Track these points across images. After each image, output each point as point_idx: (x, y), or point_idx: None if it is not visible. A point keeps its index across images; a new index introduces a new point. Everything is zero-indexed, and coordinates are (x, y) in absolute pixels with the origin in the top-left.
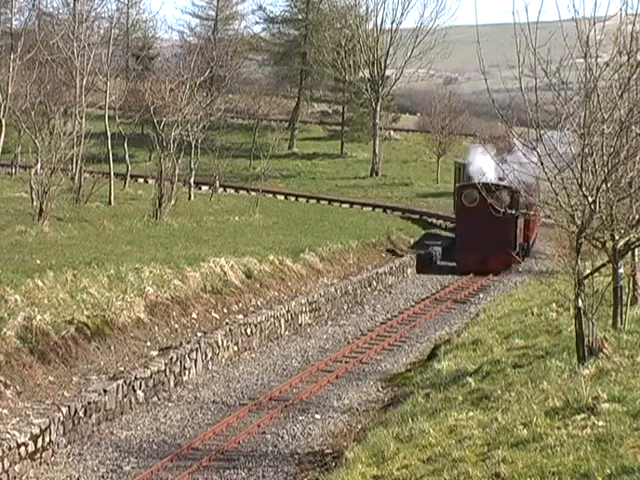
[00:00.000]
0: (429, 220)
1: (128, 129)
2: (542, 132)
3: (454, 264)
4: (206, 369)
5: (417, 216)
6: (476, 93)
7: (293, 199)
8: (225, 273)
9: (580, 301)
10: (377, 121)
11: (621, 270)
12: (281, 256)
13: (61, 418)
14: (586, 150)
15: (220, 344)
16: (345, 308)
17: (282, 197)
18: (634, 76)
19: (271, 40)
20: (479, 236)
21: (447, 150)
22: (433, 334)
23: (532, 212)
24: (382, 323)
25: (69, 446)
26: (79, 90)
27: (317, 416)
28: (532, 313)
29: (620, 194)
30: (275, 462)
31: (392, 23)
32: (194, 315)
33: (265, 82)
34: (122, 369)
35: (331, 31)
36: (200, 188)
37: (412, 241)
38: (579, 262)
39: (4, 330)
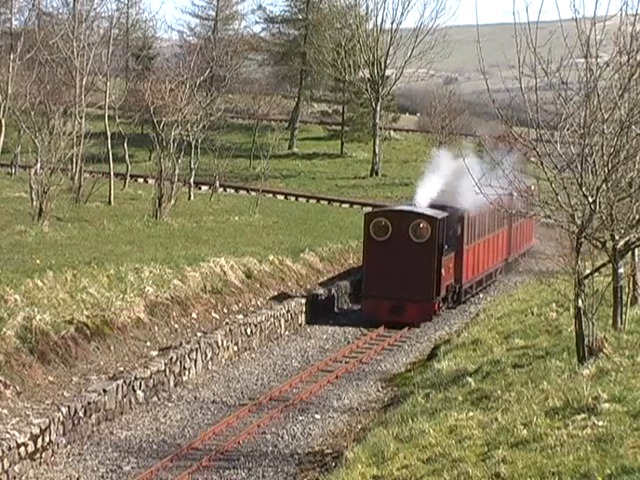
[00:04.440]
0: None
1: (128, 129)
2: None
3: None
4: (206, 369)
5: None
6: (476, 93)
7: (293, 199)
8: (225, 273)
9: (580, 301)
10: (377, 121)
11: (621, 270)
12: (281, 256)
13: (61, 418)
14: (586, 150)
15: (220, 344)
16: (345, 308)
17: (282, 197)
18: (634, 76)
19: (271, 40)
20: (391, 278)
21: (447, 150)
22: (433, 334)
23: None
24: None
25: (69, 446)
26: (79, 90)
27: (317, 416)
28: (532, 313)
29: (620, 194)
30: (275, 462)
31: (392, 23)
32: (194, 315)
33: (265, 82)
34: (122, 369)
35: (331, 31)
36: (200, 188)
37: None
38: (579, 262)
39: (4, 330)
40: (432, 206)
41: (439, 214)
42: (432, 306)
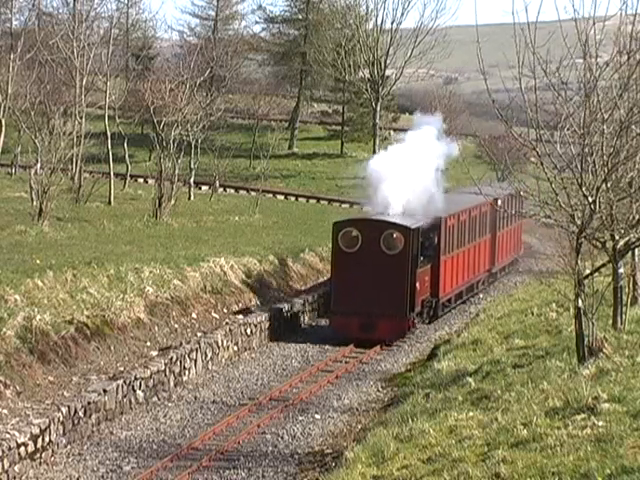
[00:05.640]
0: None
1: (128, 129)
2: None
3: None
4: (206, 369)
5: None
6: (476, 93)
7: (293, 199)
8: (225, 273)
9: (580, 301)
10: (377, 121)
11: (621, 270)
12: (281, 256)
13: (61, 418)
14: (586, 150)
15: (220, 344)
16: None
17: (282, 197)
18: (634, 76)
19: (271, 40)
20: (361, 292)
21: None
22: (433, 334)
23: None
24: None
25: (69, 446)
26: (79, 90)
27: (317, 416)
28: (532, 313)
29: (620, 194)
30: (275, 462)
31: (392, 23)
32: (194, 315)
33: (265, 82)
34: (122, 369)
35: (331, 31)
36: (200, 188)
37: None
38: (579, 262)
39: (4, 330)
40: (407, 214)
41: (413, 223)
42: (406, 322)
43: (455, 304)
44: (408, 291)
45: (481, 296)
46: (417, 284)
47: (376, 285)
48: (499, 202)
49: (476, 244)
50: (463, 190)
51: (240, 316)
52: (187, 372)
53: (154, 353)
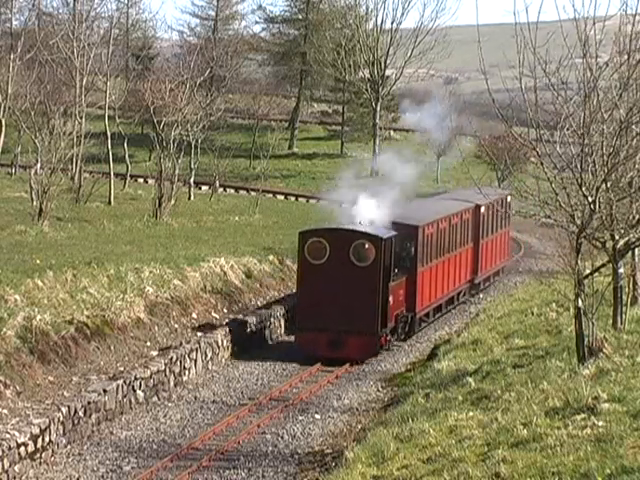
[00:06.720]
0: None
1: (128, 129)
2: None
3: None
4: (206, 369)
5: None
6: (476, 93)
7: (293, 199)
8: (225, 273)
9: (580, 301)
10: (377, 121)
11: (621, 270)
12: (281, 256)
13: (61, 418)
14: (586, 150)
15: (220, 344)
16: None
17: (282, 197)
18: (634, 76)
19: (271, 40)
20: (330, 307)
21: (447, 150)
22: (433, 334)
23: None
24: None
25: (69, 446)
26: (79, 90)
27: (317, 416)
28: (532, 313)
29: (620, 194)
30: (275, 462)
31: (392, 23)
32: (194, 315)
33: (265, 82)
34: (122, 369)
35: (331, 31)
36: (200, 188)
37: None
38: (579, 262)
39: (4, 330)
40: (380, 223)
41: (385, 233)
42: (377, 339)
43: (434, 318)
44: (380, 306)
45: (481, 296)
46: (390, 298)
47: (345, 299)
48: (482, 209)
49: (457, 253)
50: (445, 196)
51: (240, 316)
52: (187, 372)
53: (154, 353)
